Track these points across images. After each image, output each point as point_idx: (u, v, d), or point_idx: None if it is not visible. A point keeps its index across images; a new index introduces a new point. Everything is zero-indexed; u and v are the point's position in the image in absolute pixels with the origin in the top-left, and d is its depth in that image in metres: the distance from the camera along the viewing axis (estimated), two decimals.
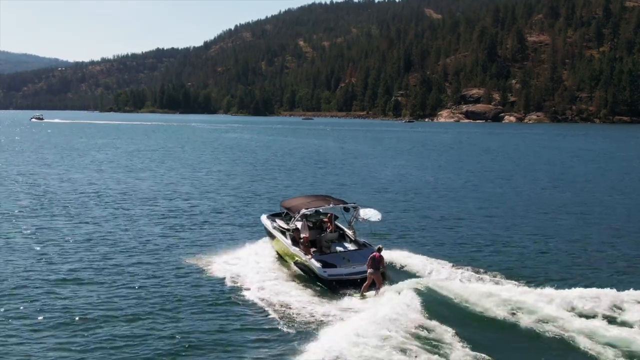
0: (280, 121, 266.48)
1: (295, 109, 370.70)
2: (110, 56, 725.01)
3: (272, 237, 25.14)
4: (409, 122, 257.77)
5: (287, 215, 25.48)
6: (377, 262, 19.89)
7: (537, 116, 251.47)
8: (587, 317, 17.80)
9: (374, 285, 19.79)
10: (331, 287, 20.64)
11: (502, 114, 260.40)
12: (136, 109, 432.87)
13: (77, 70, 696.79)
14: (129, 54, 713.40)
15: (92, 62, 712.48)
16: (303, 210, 23.58)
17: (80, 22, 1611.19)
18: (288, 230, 23.96)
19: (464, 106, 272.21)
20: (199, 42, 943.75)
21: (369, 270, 19.83)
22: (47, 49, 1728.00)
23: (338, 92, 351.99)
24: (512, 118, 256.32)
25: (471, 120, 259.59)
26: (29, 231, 29.36)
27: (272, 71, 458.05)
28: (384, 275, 20.45)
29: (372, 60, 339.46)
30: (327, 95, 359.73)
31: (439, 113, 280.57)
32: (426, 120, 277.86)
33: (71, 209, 35.40)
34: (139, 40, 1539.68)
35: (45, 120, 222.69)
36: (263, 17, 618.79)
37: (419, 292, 18.31)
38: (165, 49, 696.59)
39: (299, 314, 18.39)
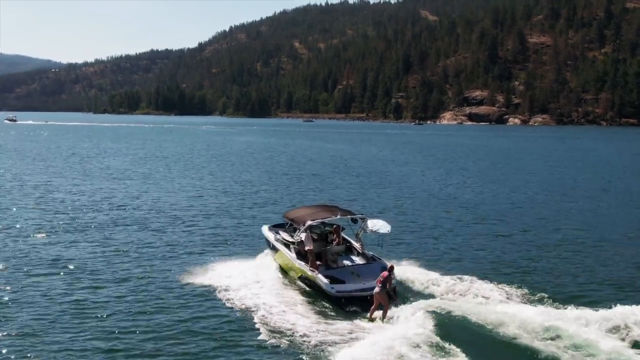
0: (281, 123, 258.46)
1: (293, 110, 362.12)
2: (104, 57, 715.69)
3: (275, 249, 23.33)
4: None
5: (290, 226, 23.84)
6: (384, 281, 18.17)
7: (543, 118, 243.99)
8: (621, 340, 15.70)
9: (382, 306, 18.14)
10: (339, 305, 19.13)
11: (506, 116, 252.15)
12: (131, 111, 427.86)
13: (70, 71, 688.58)
14: (123, 55, 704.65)
15: (86, 64, 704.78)
16: (309, 222, 21.77)
17: (73, 23, 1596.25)
18: (292, 243, 22.36)
19: (467, 108, 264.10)
20: (193, 44, 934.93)
21: (375, 290, 18.15)
22: (39, 50, 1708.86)
23: (336, 94, 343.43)
24: (516, 120, 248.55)
25: (474, 123, 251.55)
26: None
27: (267, 72, 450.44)
28: (392, 294, 18.73)
29: (370, 62, 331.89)
30: (325, 97, 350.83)
31: (441, 115, 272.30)
32: (428, 122, 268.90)
33: (58, 216, 33.20)
34: (132, 41, 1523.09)
35: (18, 122, 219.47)
36: (258, 19, 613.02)
37: (432, 313, 17.01)
38: (159, 50, 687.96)
39: (303, 334, 16.61)
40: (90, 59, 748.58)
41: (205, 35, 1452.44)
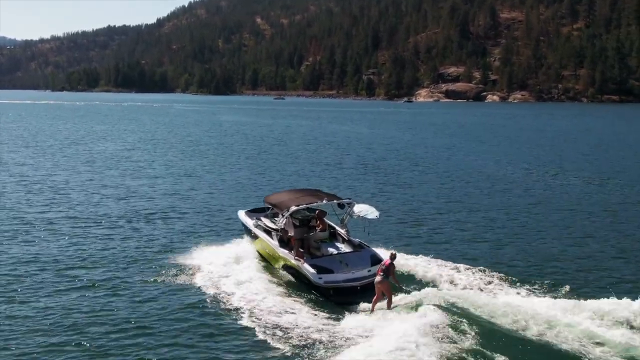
0: (251, 101, 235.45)
1: (259, 87, 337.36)
2: (60, 34, 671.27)
3: (254, 236, 20.72)
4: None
5: (271, 211, 20.97)
6: (387, 270, 15.86)
7: (522, 95, 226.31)
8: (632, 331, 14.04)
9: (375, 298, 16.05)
10: (327, 296, 16.92)
11: (484, 93, 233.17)
12: (90, 88, 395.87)
13: (26, 48, 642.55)
14: (80, 31, 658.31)
15: (42, 40, 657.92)
16: (293, 208, 19.08)
17: None
18: (276, 230, 19.61)
19: (443, 85, 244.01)
20: (151, 19, 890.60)
21: (377, 279, 15.82)
22: None
23: (303, 71, 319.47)
24: (495, 97, 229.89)
25: (452, 100, 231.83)
26: None
27: (229, 49, 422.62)
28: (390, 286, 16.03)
29: (337, 38, 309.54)
30: (292, 73, 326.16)
31: (416, 92, 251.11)
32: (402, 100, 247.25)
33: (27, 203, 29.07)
34: (89, 17, 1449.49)
35: None
36: None
37: (439, 308, 14.70)
38: (116, 26, 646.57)
39: (293, 332, 14.16)
40: (46, 36, 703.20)
41: (163, 11, 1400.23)
